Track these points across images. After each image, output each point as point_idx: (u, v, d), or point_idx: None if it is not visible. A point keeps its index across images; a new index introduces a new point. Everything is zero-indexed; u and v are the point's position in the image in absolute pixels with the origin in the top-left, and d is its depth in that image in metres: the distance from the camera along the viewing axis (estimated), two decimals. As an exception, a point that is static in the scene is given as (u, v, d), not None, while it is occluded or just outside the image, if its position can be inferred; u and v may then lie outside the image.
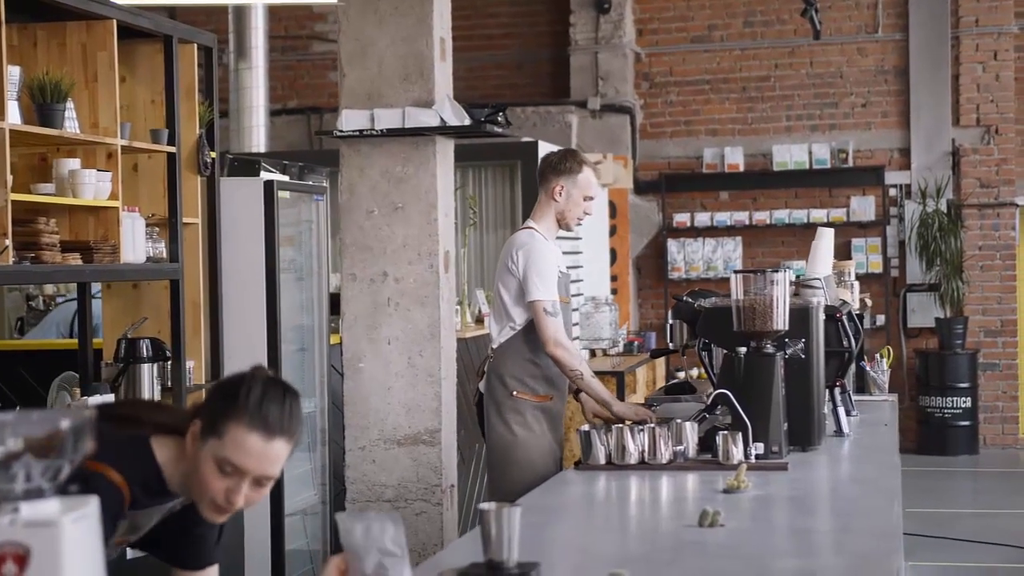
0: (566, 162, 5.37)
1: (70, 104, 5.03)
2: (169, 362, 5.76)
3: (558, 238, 5.50)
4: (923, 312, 12.65)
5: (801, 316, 4.63)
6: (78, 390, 5.67)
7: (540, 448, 5.27)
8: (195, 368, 6.01)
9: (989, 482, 11.49)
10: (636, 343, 10.93)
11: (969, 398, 12.29)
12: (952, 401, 12.26)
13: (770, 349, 4.47)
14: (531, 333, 5.21)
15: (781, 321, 4.47)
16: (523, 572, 2.77)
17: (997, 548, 8.48)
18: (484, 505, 2.76)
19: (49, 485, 1.81)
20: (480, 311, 8.78)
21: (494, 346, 5.36)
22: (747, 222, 12.87)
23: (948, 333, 12.34)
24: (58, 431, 1.81)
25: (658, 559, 3.09)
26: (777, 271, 4.51)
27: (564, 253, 9.78)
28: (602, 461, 4.31)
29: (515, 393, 5.26)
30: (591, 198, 5.38)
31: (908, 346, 12.77)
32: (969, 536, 8.85)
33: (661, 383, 10.44)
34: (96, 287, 6.24)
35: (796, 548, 3.28)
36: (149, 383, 5.57)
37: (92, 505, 1.83)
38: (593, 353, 10.50)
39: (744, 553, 3.11)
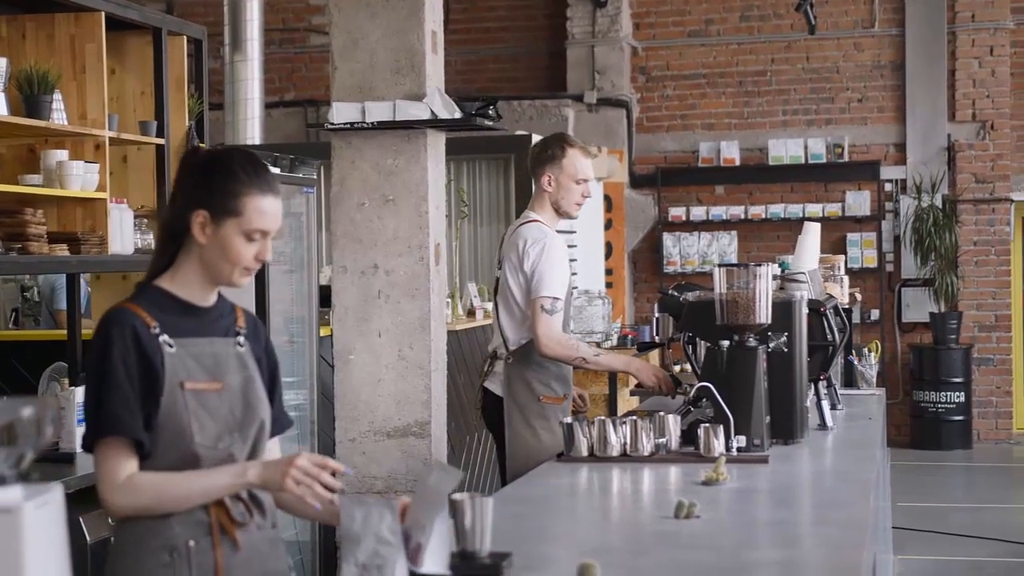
0: (548, 149, 5.29)
1: (57, 95, 5.04)
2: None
3: (558, 231, 5.44)
4: (917, 307, 12.66)
5: (784, 310, 4.62)
6: (67, 380, 5.68)
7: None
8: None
9: (982, 476, 11.50)
10: (631, 337, 10.95)
11: (963, 393, 12.31)
12: (946, 396, 12.27)
13: (753, 343, 4.47)
14: None
15: (764, 315, 4.47)
16: (495, 562, 2.80)
17: (988, 542, 8.50)
18: (457, 496, 2.78)
19: (11, 472, 1.83)
20: (472, 304, 8.79)
21: (511, 347, 5.26)
22: (743, 216, 12.87)
23: (942, 328, 12.35)
24: (19, 419, 1.83)
25: (631, 549, 3.12)
26: (760, 265, 4.51)
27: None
28: (584, 453, 4.32)
29: (542, 398, 5.20)
30: (584, 180, 5.25)
31: (902, 341, 12.78)
32: (960, 530, 8.88)
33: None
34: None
35: (767, 539, 3.30)
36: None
37: (55, 492, 1.85)
38: (587, 346, 10.52)
39: (716, 544, 3.13)
